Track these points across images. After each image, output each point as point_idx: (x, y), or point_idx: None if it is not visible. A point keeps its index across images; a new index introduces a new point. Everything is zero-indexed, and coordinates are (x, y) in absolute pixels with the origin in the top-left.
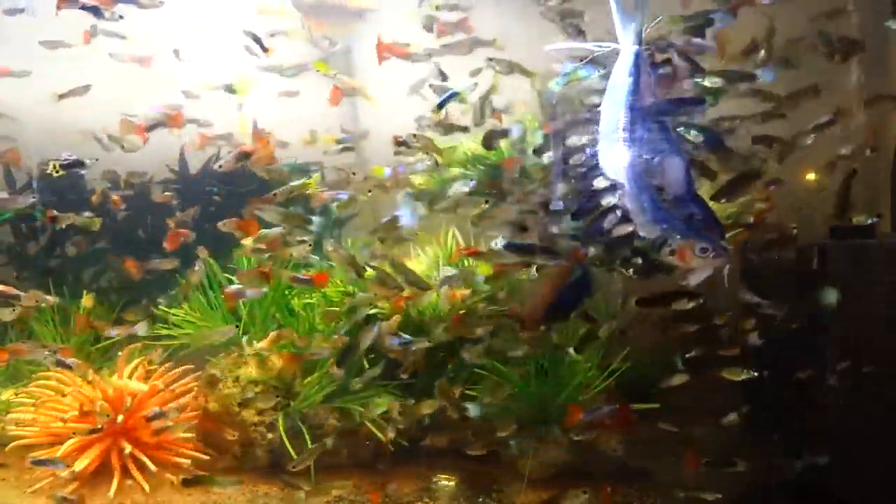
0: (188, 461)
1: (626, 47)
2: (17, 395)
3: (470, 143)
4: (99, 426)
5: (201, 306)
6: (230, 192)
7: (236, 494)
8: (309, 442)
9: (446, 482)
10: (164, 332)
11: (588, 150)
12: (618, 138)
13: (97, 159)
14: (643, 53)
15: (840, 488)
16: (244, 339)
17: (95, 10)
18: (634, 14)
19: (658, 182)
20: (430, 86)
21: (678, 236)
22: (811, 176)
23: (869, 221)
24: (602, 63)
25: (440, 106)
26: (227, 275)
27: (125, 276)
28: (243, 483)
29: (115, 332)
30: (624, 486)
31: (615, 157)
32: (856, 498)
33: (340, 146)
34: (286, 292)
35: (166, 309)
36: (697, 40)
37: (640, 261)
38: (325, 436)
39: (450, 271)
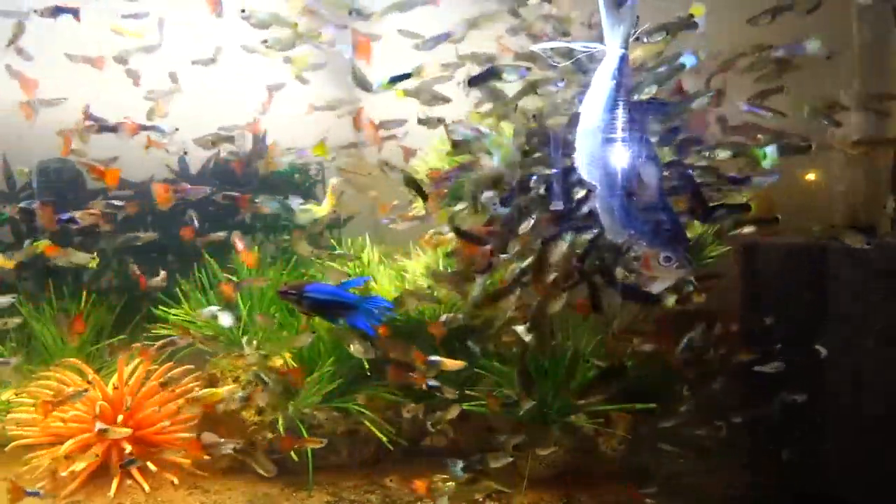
0: (188, 461)
1: (613, 50)
2: (17, 395)
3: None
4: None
5: (201, 306)
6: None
7: (236, 494)
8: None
9: (446, 482)
10: (164, 332)
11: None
12: (595, 140)
13: (178, 129)
14: (628, 57)
15: (840, 488)
16: (244, 339)
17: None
18: (624, 17)
19: (632, 187)
20: None
21: (644, 243)
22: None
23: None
24: None
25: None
26: (226, 275)
27: (125, 277)
28: (245, 483)
29: None
30: (625, 486)
31: (591, 158)
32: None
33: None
34: None
35: (166, 309)
36: None
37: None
38: (325, 436)
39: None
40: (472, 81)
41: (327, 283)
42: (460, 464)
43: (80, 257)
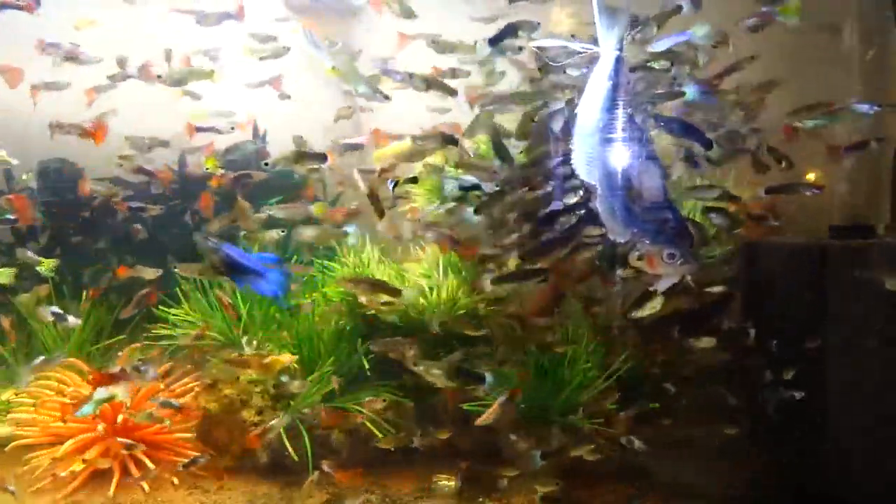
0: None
1: (607, 51)
2: (17, 395)
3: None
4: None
5: (201, 306)
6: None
7: (236, 495)
8: (308, 442)
9: (446, 482)
10: (165, 332)
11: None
12: (593, 141)
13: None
14: (623, 58)
15: (840, 488)
16: (244, 339)
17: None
18: (617, 18)
19: (634, 187)
20: None
21: (647, 241)
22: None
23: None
24: None
25: None
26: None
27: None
28: (245, 483)
29: None
30: (625, 486)
31: (589, 159)
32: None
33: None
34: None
35: (166, 309)
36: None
37: None
38: (325, 435)
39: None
40: (493, 41)
41: (244, 251)
42: (539, 454)
43: (148, 272)
